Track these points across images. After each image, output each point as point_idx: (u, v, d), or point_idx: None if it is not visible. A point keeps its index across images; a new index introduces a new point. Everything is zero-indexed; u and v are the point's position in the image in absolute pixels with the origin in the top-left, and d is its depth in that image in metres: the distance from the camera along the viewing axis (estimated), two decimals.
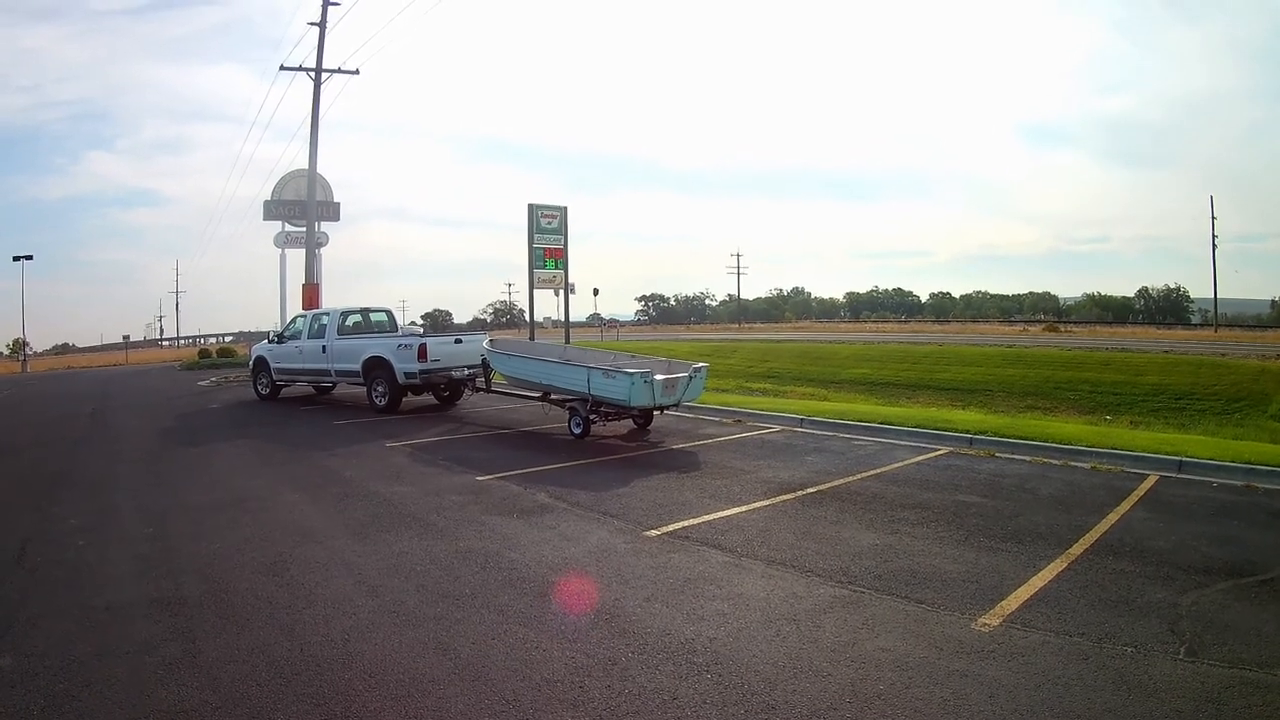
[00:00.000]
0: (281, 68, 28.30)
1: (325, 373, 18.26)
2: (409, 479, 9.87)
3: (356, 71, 29.02)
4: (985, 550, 6.68)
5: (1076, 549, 6.65)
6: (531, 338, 37.05)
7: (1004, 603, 5.45)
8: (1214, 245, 61.90)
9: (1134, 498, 8.52)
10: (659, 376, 12.33)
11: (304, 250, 29.82)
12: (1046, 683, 4.30)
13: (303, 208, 30.54)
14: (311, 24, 28.23)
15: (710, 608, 5.52)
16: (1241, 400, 20.42)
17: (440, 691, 4.28)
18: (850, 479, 9.66)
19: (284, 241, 32.09)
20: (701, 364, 13.42)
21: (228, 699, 4.20)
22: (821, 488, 9.18)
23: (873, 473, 10.06)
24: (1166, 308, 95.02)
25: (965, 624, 5.11)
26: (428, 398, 17.97)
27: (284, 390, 20.03)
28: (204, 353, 43.57)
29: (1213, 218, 62.58)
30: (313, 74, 28.18)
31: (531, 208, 35.64)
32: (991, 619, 5.17)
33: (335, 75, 28.53)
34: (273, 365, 19.41)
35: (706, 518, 7.87)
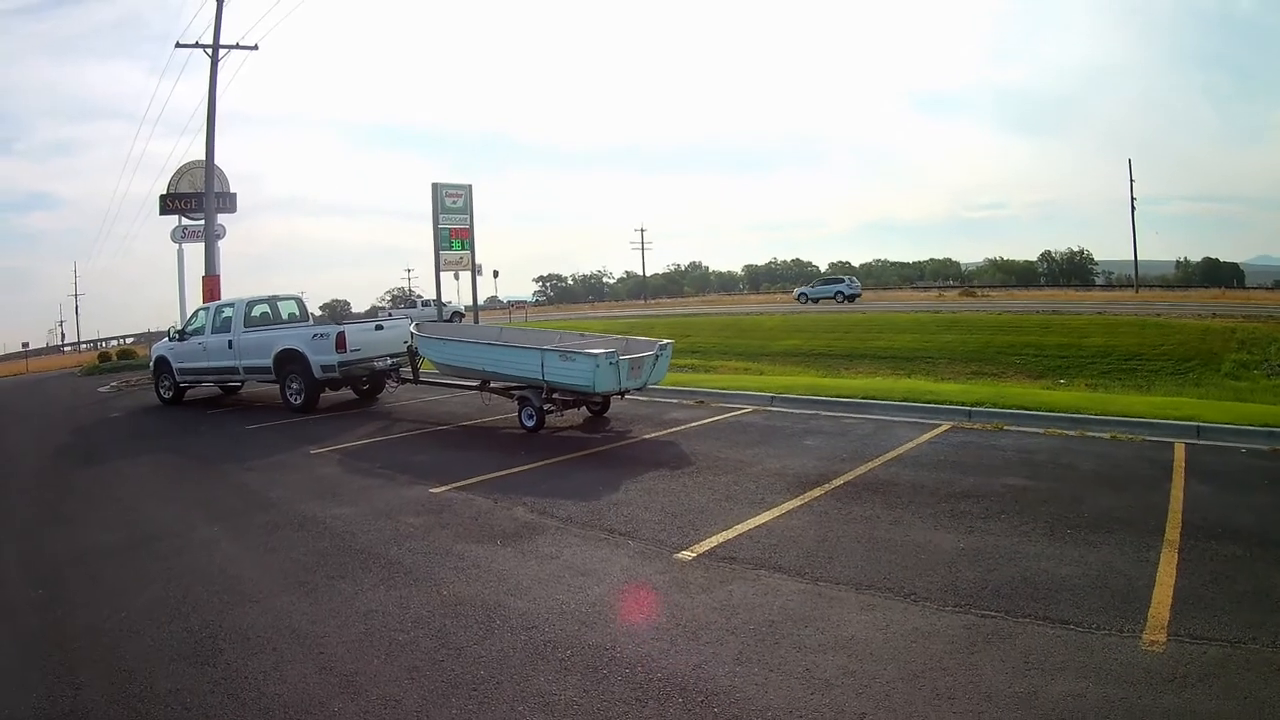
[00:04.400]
0: (177, 45, 26.15)
1: (233, 371, 16.09)
2: (349, 496, 8.08)
3: (255, 47, 27.02)
4: (1082, 544, 5.81)
5: (1172, 534, 5.94)
6: (440, 319, 34.99)
7: (1153, 611, 4.63)
8: (1133, 207, 61.91)
9: (1179, 470, 7.94)
10: (623, 357, 10.80)
11: (202, 245, 27.90)
12: (1266, 709, 3.63)
13: (199, 200, 28.66)
14: None
15: (827, 664, 4.09)
16: (1192, 360, 20.11)
17: None
18: (871, 466, 8.41)
19: (181, 236, 30.13)
20: (666, 341, 11.93)
21: None
22: (848, 479, 7.88)
23: (890, 456, 8.84)
24: (1070, 270, 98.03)
25: (1132, 645, 4.25)
26: (346, 393, 16.01)
27: (189, 392, 17.77)
28: (104, 356, 40.21)
29: (1130, 180, 62.28)
30: (209, 50, 26.06)
31: (436, 187, 33.56)
32: (1155, 634, 4.35)
33: (232, 53, 26.79)
34: (175, 365, 17.19)
35: (740, 528, 6.41)
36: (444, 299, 36.08)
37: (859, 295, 51.03)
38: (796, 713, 3.63)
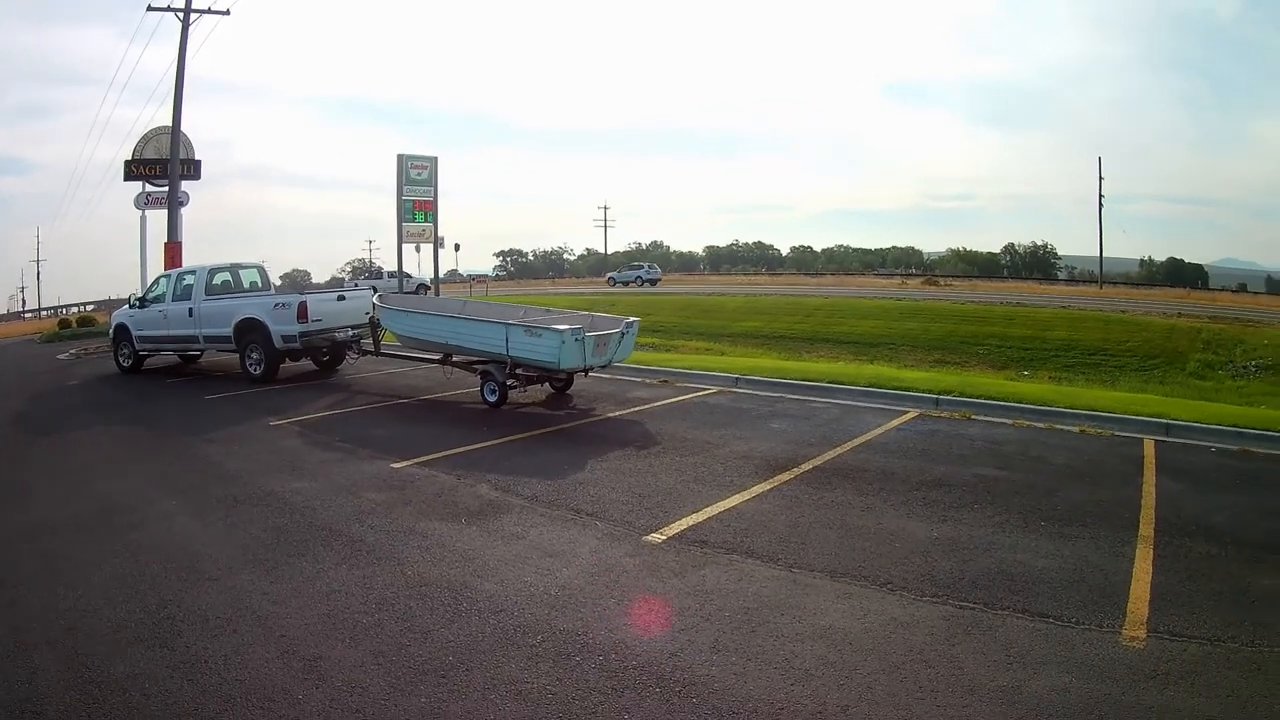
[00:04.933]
0: (149, 8, 25.64)
1: (193, 339, 15.65)
2: (309, 470, 7.84)
3: (227, 12, 26.57)
4: (1056, 538, 5.78)
5: (1146, 530, 5.95)
6: (400, 291, 34.56)
7: (1131, 607, 4.63)
8: (1100, 204, 62.57)
9: (1149, 466, 7.99)
10: (589, 334, 10.62)
11: (165, 212, 27.55)
12: (1248, 707, 3.65)
13: (164, 166, 28.16)
14: None
15: (805, 654, 3.99)
16: (1157, 357, 20.37)
17: None
18: (839, 451, 8.35)
19: (144, 203, 29.53)
20: (633, 319, 11.78)
21: None
22: (816, 463, 7.82)
23: (858, 442, 8.79)
24: (1033, 264, 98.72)
25: (1112, 640, 4.23)
26: (305, 364, 15.64)
27: (148, 360, 17.30)
28: (64, 323, 39.54)
29: (1100, 178, 62.76)
30: (180, 14, 25.62)
31: (401, 158, 33.07)
32: (1135, 630, 4.34)
33: (204, 18, 26.34)
34: (135, 333, 16.69)
35: (710, 511, 6.30)
36: (407, 271, 35.58)
37: (658, 280, 59.78)
38: (777, 704, 3.52)
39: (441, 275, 40.56)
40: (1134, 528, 5.99)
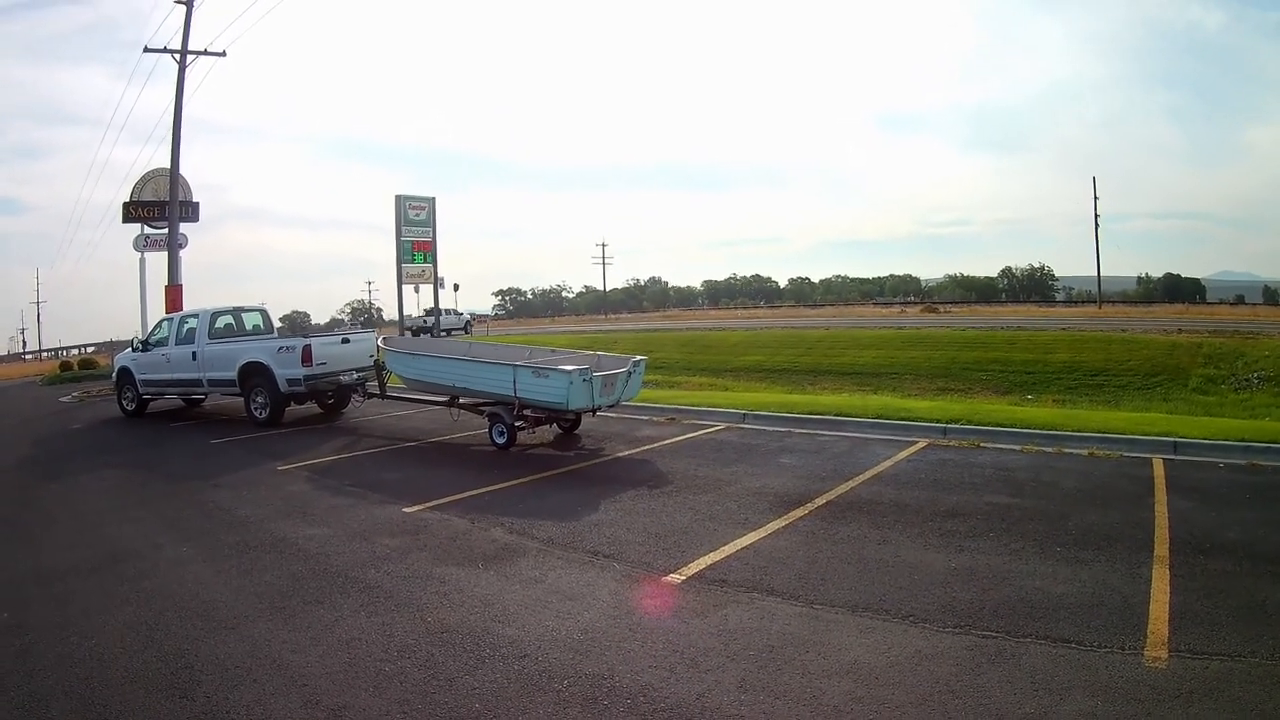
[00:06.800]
0: (146, 49, 26.13)
1: (196, 383, 15.74)
2: (321, 516, 7.82)
3: (223, 54, 27.05)
4: (1073, 562, 5.81)
5: (1160, 550, 5.98)
6: (401, 333, 34.64)
7: (1151, 628, 4.64)
8: (1096, 224, 62.85)
9: (1160, 485, 8.03)
10: (596, 374, 10.64)
11: (164, 253, 27.76)
12: None
13: (162, 208, 28.51)
14: (179, 1, 25.74)
15: (833, 690, 3.98)
16: (1159, 375, 20.27)
17: None
18: (851, 484, 8.34)
19: (143, 245, 29.73)
20: (640, 357, 11.80)
21: None
22: (829, 498, 7.80)
23: (869, 474, 8.79)
24: (1031, 287, 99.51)
25: (1135, 662, 4.24)
26: (310, 407, 15.70)
27: (152, 404, 17.41)
28: (65, 365, 40.10)
29: (1095, 198, 63.54)
30: (178, 55, 25.98)
31: (399, 199, 33.30)
32: (1157, 651, 4.35)
33: (200, 60, 26.74)
34: (138, 376, 16.78)
35: (727, 550, 6.28)
36: (450, 308, 35.59)
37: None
38: None
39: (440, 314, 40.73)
40: (1149, 548, 6.02)
